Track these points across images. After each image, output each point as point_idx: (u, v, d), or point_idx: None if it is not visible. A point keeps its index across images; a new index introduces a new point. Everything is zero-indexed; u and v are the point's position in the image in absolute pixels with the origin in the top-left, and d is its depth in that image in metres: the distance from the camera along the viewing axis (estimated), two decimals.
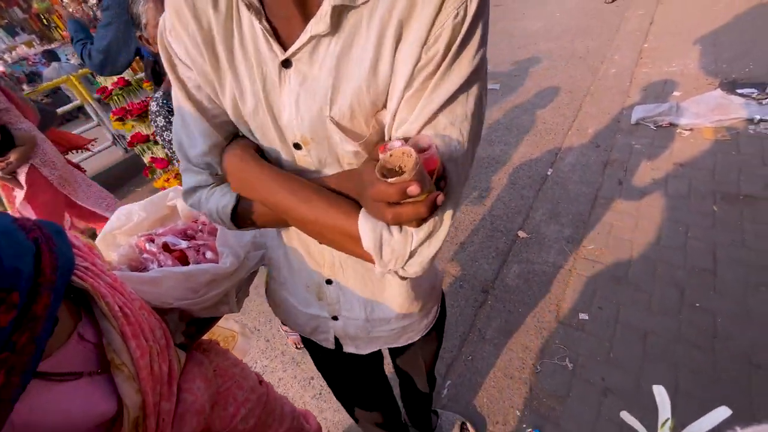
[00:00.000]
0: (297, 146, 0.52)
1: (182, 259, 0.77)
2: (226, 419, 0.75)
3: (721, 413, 0.36)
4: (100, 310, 0.53)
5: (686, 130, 2.63)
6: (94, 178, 2.41)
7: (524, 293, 1.87)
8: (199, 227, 0.82)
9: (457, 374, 1.63)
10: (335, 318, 0.72)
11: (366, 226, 0.47)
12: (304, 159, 0.54)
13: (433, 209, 0.42)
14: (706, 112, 2.69)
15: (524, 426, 1.41)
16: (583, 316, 1.70)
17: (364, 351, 0.78)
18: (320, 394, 1.67)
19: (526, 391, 1.51)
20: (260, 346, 1.91)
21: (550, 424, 1.40)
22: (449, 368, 1.66)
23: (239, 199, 0.58)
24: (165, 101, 1.13)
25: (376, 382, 0.97)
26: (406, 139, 0.45)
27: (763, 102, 2.66)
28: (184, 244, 0.78)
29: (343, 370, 0.88)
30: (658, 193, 2.20)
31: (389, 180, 0.39)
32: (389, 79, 0.45)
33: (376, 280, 0.67)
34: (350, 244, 0.50)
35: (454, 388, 1.58)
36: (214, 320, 0.89)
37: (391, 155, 0.40)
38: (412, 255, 0.48)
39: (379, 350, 0.83)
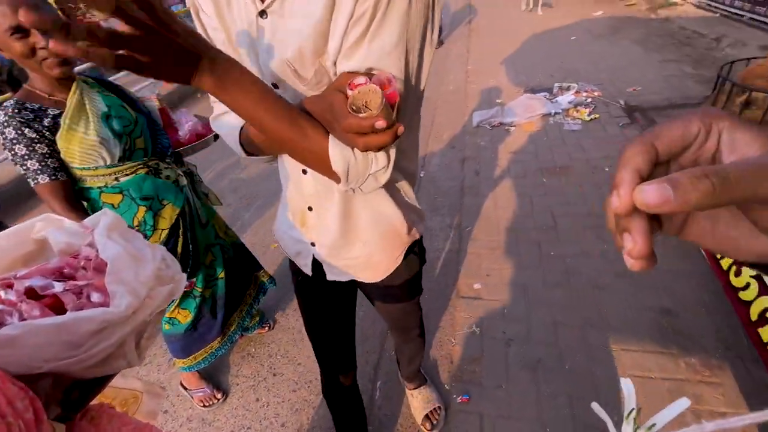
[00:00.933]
0: (275, 86, 0.62)
1: (57, 307, 0.60)
2: None
3: (682, 404, 0.38)
4: None
5: (511, 126, 3.31)
6: None
7: (427, 281, 2.02)
8: (81, 263, 0.65)
9: (384, 372, 1.65)
10: (313, 244, 0.83)
11: (336, 152, 0.55)
12: (283, 96, 0.60)
13: (395, 138, 0.49)
14: (521, 112, 3.44)
15: (454, 397, 1.51)
16: (477, 285, 1.93)
17: (340, 278, 0.87)
18: None
19: (448, 365, 1.62)
20: (158, 420, 1.59)
21: (475, 386, 1.53)
22: (376, 369, 1.67)
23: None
24: (17, 110, 1.00)
25: (343, 320, 1.06)
26: (369, 76, 0.51)
27: (552, 101, 3.54)
28: (58, 288, 0.61)
29: (318, 300, 0.99)
30: (505, 176, 2.69)
31: (360, 116, 0.46)
32: (329, 28, 0.53)
33: (348, 210, 0.75)
34: (320, 165, 0.57)
35: (384, 386, 1.59)
36: (105, 380, 0.71)
37: (359, 92, 0.47)
38: (370, 178, 0.58)
39: (353, 291, 1.00)
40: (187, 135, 1.51)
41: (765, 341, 1.14)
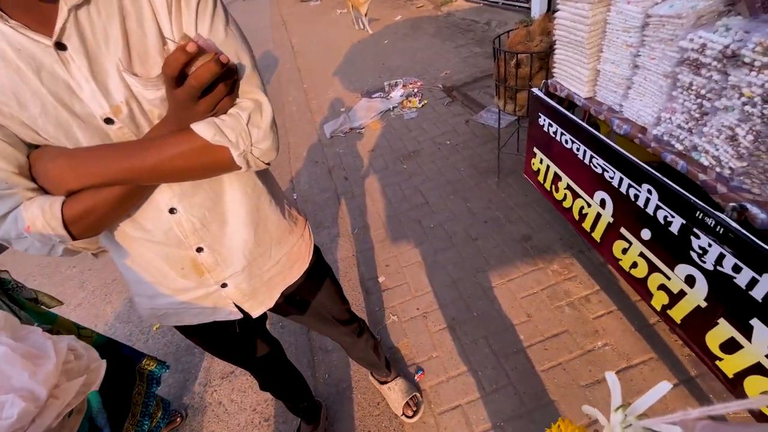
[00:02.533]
0: (109, 121, 0.54)
1: None
2: None
3: (662, 388, 0.38)
4: None
5: (361, 129, 3.53)
6: None
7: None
8: None
9: (323, 398, 1.59)
10: (224, 285, 0.75)
11: (199, 127, 0.54)
12: (121, 132, 0.55)
13: (223, 65, 0.50)
14: (365, 114, 3.71)
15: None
16: (381, 278, 2.02)
17: (271, 303, 0.84)
18: None
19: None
20: None
21: (411, 365, 1.60)
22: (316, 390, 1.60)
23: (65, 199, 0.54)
24: None
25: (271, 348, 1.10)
26: None
27: (387, 98, 3.91)
28: None
29: (243, 345, 0.99)
30: (370, 173, 2.87)
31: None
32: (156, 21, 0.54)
33: (244, 219, 0.72)
34: (203, 156, 0.55)
35: (327, 411, 1.54)
36: None
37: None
38: (252, 130, 0.58)
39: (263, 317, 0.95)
40: None
41: (588, 231, 1.50)
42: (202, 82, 0.50)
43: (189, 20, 0.54)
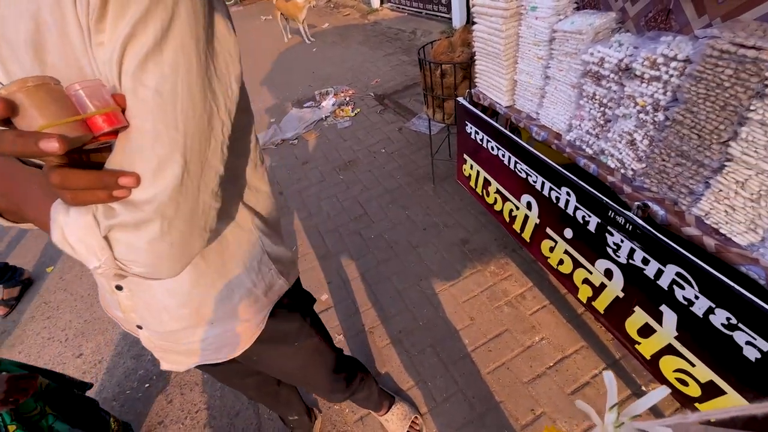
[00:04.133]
0: None
1: None
2: None
3: (660, 393, 0.38)
4: None
5: (293, 140, 3.41)
6: None
7: None
8: None
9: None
10: (140, 327, 0.67)
11: (52, 214, 0.39)
12: None
13: (72, 141, 0.31)
14: (296, 125, 3.59)
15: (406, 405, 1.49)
16: (324, 297, 1.94)
17: (182, 367, 0.73)
18: None
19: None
20: None
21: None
22: None
23: None
24: None
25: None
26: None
27: (319, 108, 3.83)
28: None
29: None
30: (306, 187, 2.77)
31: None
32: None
33: (179, 285, 0.60)
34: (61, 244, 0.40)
35: None
36: None
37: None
38: (117, 248, 0.39)
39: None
40: None
41: (518, 232, 1.58)
42: (76, 202, 0.36)
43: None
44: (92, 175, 0.35)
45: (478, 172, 1.75)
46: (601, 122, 1.10)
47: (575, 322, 1.59)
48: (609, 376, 0.43)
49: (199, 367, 0.78)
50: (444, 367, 1.54)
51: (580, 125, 1.18)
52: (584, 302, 1.33)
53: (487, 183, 1.70)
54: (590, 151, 1.18)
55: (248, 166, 0.60)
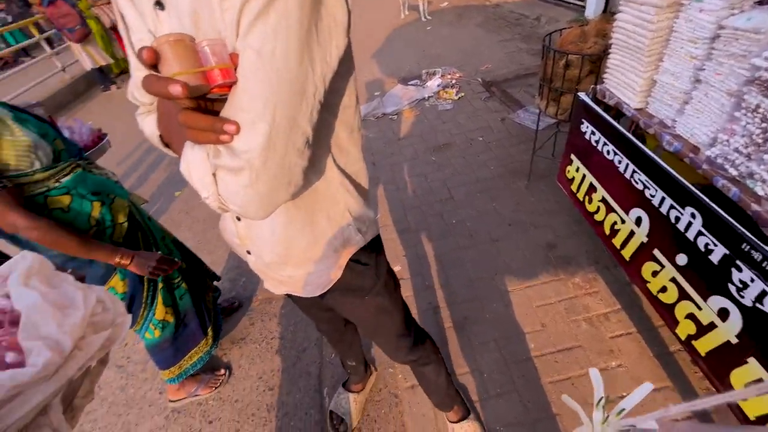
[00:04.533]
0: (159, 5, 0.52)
1: None
2: None
3: (645, 389, 0.39)
4: None
5: (393, 115, 3.49)
6: None
7: None
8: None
9: (329, 377, 1.62)
10: (249, 252, 0.77)
11: (183, 151, 0.49)
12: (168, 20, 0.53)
13: (192, 89, 0.38)
14: (399, 101, 3.66)
15: (401, 377, 1.57)
16: (397, 268, 2.02)
17: (277, 291, 0.85)
18: None
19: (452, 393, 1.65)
20: None
21: None
22: (320, 378, 1.63)
23: None
24: None
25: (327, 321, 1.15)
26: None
27: (423, 87, 3.83)
28: None
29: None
30: (399, 161, 2.84)
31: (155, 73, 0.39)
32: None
33: (277, 226, 0.69)
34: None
35: (332, 391, 1.57)
36: None
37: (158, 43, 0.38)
38: (220, 185, 0.47)
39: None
40: (85, 141, 1.47)
41: (618, 248, 1.44)
42: (197, 140, 0.44)
43: None
44: (207, 119, 0.42)
45: (584, 176, 1.63)
46: (759, 140, 0.94)
47: (664, 359, 1.43)
48: (595, 373, 0.43)
49: (287, 294, 0.90)
50: (504, 364, 1.52)
51: (727, 141, 1.03)
52: (682, 339, 1.19)
53: (592, 189, 1.58)
54: (734, 172, 1.02)
55: (345, 130, 0.64)
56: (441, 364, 1.20)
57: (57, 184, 1.09)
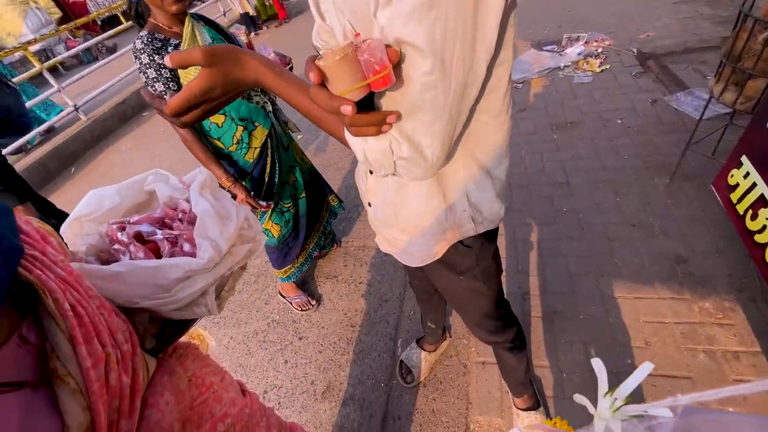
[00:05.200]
0: None
1: (156, 252, 0.66)
2: None
3: (645, 369, 0.39)
4: (46, 308, 0.43)
5: (519, 83, 3.21)
6: None
7: None
8: (179, 215, 0.69)
9: (405, 330, 1.72)
10: (370, 204, 0.83)
11: (350, 137, 0.53)
12: None
13: (364, 103, 0.43)
14: (528, 67, 3.33)
15: (473, 350, 1.58)
16: None
17: (383, 249, 0.90)
18: (279, 403, 1.58)
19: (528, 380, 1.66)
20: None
21: None
22: (397, 328, 1.74)
23: None
24: (150, 40, 1.21)
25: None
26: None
27: (561, 54, 3.40)
28: (159, 235, 0.66)
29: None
30: (515, 135, 2.65)
31: (322, 91, 0.43)
32: None
33: (395, 190, 0.73)
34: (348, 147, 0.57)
35: (405, 344, 1.66)
36: (191, 322, 0.77)
37: (325, 60, 0.41)
38: (398, 165, 0.53)
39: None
40: None
41: None
42: (359, 134, 0.48)
43: None
44: (371, 116, 0.45)
45: (754, 184, 1.31)
46: None
47: None
48: (598, 363, 0.42)
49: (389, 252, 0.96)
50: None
51: None
52: None
53: (761, 203, 1.27)
54: None
55: (484, 115, 0.60)
56: (525, 351, 1.18)
57: None
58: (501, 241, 1.96)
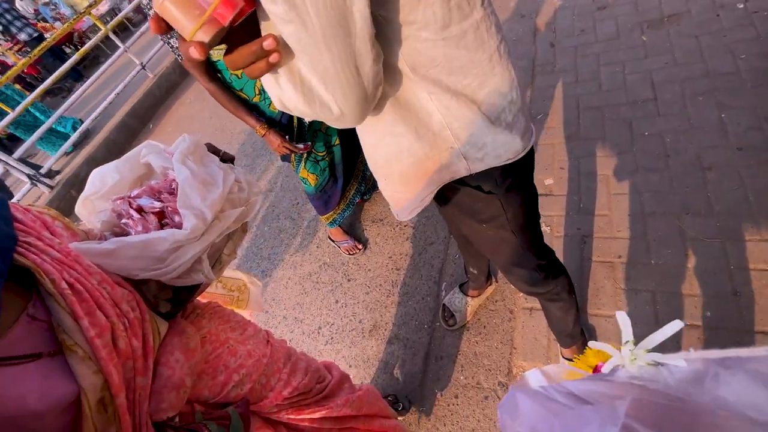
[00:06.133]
0: None
1: (161, 222, 0.70)
2: (215, 387, 0.72)
3: (675, 325, 0.38)
4: (45, 288, 0.48)
5: None
6: None
7: None
8: (172, 185, 0.72)
9: (449, 274, 1.68)
10: None
11: (268, 88, 0.50)
12: None
13: (210, 42, 0.38)
14: None
15: (521, 295, 1.50)
16: (548, 181, 1.74)
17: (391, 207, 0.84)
18: (331, 338, 1.71)
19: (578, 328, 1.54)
20: (260, 318, 1.92)
21: None
22: (441, 271, 1.71)
23: None
24: None
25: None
26: None
27: None
28: (158, 206, 0.70)
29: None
30: (589, 42, 2.18)
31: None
32: None
33: (367, 132, 0.69)
34: None
35: (449, 287, 1.64)
36: (199, 286, 0.83)
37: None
38: (313, 111, 0.50)
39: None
40: None
41: None
42: (252, 75, 0.44)
43: None
44: (244, 51, 0.41)
45: None
46: None
47: None
48: (622, 316, 0.45)
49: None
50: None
51: None
52: None
53: None
54: None
55: (426, 29, 0.50)
56: (572, 303, 1.07)
57: None
58: (561, 176, 1.73)
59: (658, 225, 1.43)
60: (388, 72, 0.54)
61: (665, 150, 1.60)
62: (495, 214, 0.76)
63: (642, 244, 1.41)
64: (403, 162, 0.67)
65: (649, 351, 0.40)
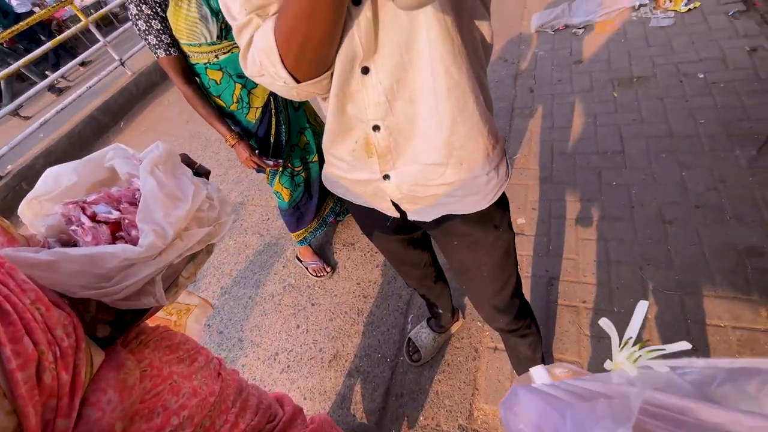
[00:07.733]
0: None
1: (116, 233, 0.61)
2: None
3: (641, 309, 0.40)
4: None
5: (579, 28, 2.74)
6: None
7: None
8: (134, 196, 0.64)
9: (417, 306, 1.64)
10: (386, 177, 0.68)
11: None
12: None
13: None
14: (594, 9, 2.81)
15: (487, 334, 1.47)
16: (520, 221, 1.77)
17: (428, 217, 0.74)
18: (288, 366, 1.61)
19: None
20: (214, 339, 1.79)
21: None
22: (409, 303, 1.67)
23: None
24: (142, 2, 1.13)
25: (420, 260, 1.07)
26: None
27: None
28: (114, 216, 0.61)
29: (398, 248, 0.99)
30: (565, 92, 2.30)
31: None
32: None
33: (426, 117, 0.59)
34: None
35: (416, 320, 1.59)
36: (148, 310, 0.73)
37: None
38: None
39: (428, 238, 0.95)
40: None
41: None
42: None
43: None
44: None
45: None
46: None
47: None
48: (606, 322, 0.47)
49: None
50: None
51: None
52: None
53: None
54: None
55: None
56: (539, 340, 1.08)
57: (216, 60, 1.26)
58: (533, 216, 1.76)
59: (622, 273, 1.47)
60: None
61: (630, 201, 1.67)
62: (503, 214, 0.79)
63: (606, 291, 1.44)
64: (476, 138, 0.64)
65: (650, 351, 0.41)
